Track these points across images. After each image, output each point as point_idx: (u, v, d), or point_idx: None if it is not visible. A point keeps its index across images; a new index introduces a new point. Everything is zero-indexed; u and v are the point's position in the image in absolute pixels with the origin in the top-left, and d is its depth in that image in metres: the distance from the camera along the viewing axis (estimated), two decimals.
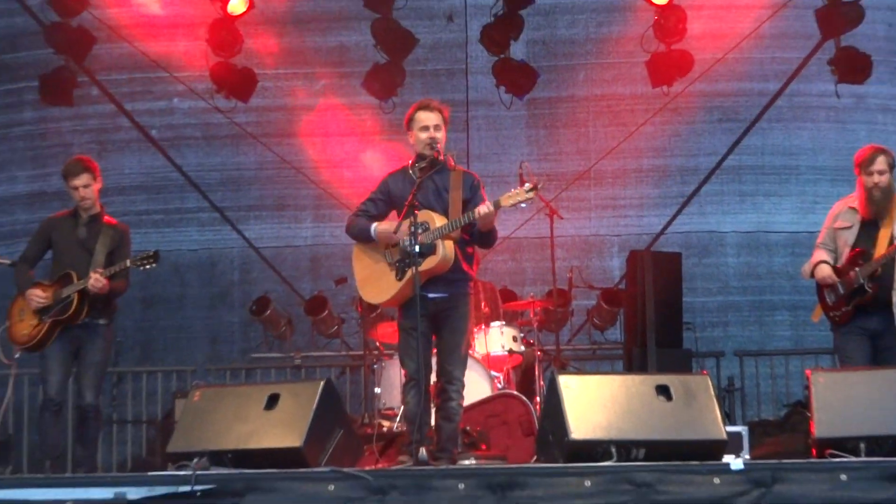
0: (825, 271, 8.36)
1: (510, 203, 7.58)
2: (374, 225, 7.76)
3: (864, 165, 8.31)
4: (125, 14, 13.09)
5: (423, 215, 7.54)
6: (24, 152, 13.55)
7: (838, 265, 8.36)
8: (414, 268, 7.43)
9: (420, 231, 7.46)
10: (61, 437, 9.17)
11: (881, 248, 8.19)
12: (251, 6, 12.51)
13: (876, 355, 8.20)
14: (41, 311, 8.71)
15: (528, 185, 7.54)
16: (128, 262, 8.66)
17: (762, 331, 13.05)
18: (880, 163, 8.24)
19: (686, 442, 6.80)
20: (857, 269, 8.21)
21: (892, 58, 12.95)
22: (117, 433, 12.33)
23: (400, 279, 7.66)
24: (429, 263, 7.54)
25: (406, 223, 7.54)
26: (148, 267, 8.68)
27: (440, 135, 7.83)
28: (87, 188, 8.85)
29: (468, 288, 7.85)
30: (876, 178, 8.24)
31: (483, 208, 7.49)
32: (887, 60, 12.76)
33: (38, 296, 8.72)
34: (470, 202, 7.70)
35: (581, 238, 12.90)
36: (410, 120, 7.91)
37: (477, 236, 7.73)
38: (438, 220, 7.61)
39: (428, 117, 7.83)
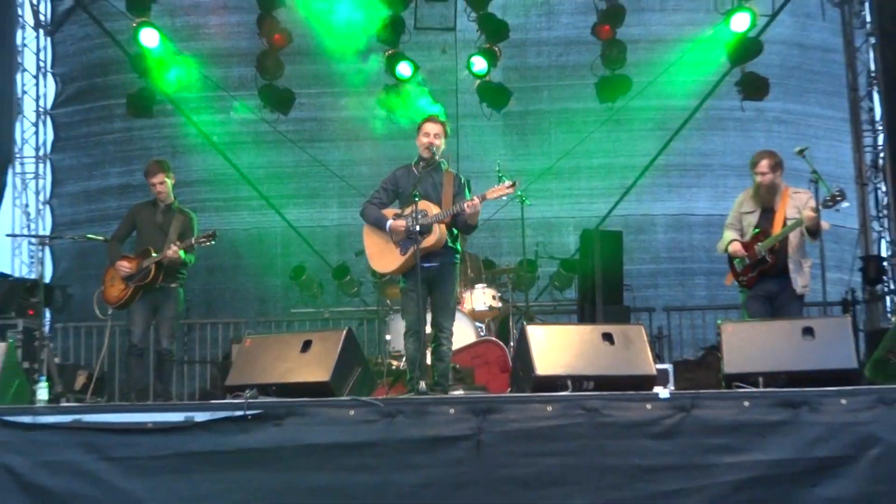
0: (736, 246, 8.35)
1: (494, 196, 7.61)
2: (390, 222, 7.73)
3: (752, 167, 8.37)
4: (193, 46, 13.04)
5: (421, 205, 7.55)
6: (115, 154, 13.46)
7: (744, 242, 8.37)
8: (416, 245, 7.43)
9: (420, 217, 7.46)
10: (143, 375, 9.18)
11: (777, 228, 8.21)
12: (290, 41, 12.47)
13: (773, 311, 8.20)
14: (127, 278, 8.73)
15: (507, 183, 7.54)
16: (193, 240, 8.66)
17: (684, 291, 13.01)
18: (762, 166, 8.25)
19: (625, 377, 6.80)
20: (758, 244, 8.23)
21: (785, 80, 12.83)
22: (188, 371, 12.31)
23: (403, 254, 7.66)
24: (427, 241, 7.55)
25: (409, 210, 7.53)
26: (209, 243, 8.68)
27: (439, 142, 7.85)
28: (162, 184, 8.88)
29: (455, 259, 7.85)
30: (759, 177, 8.28)
31: (472, 204, 7.48)
32: (781, 83, 12.66)
33: (124, 266, 8.75)
34: (458, 196, 7.72)
35: (545, 220, 12.81)
36: (419, 129, 7.92)
37: (462, 224, 7.73)
38: (434, 209, 7.61)
39: (431, 127, 7.87)
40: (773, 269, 8.18)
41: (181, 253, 8.65)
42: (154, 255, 8.64)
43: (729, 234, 8.47)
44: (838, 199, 7.82)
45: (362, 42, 12.57)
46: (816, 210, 7.88)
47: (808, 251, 8.31)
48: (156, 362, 9.21)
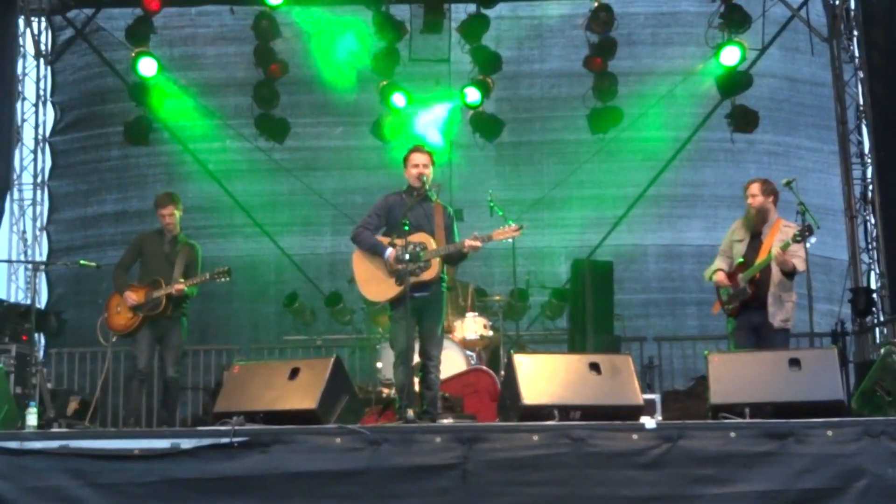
0: (720, 277, 8.42)
1: (500, 238, 7.63)
2: (389, 251, 7.64)
3: (745, 190, 8.50)
4: (191, 76, 13.07)
5: (420, 237, 7.54)
6: (111, 181, 13.43)
7: (728, 272, 8.40)
8: (407, 276, 7.38)
9: (419, 250, 7.46)
10: (143, 402, 9.15)
11: (760, 259, 8.21)
12: (286, 71, 12.46)
13: (758, 342, 8.18)
14: (135, 308, 8.71)
15: (514, 226, 7.54)
16: (207, 276, 8.72)
17: (675, 321, 12.92)
18: (753, 188, 8.41)
19: (612, 406, 6.74)
20: (740, 274, 8.23)
21: (774, 113, 12.87)
22: (180, 397, 12.19)
23: (400, 284, 7.58)
24: (427, 275, 7.55)
25: (401, 242, 7.49)
26: (223, 280, 8.66)
27: (427, 171, 7.82)
28: (171, 216, 9.00)
29: (443, 288, 7.81)
30: (749, 199, 8.40)
31: (474, 243, 7.46)
32: (770, 115, 12.68)
33: (132, 297, 8.73)
34: (448, 228, 7.72)
35: (536, 249, 12.74)
36: (406, 159, 7.88)
37: (455, 258, 7.71)
38: (432, 243, 7.61)
39: (419, 158, 7.84)
40: (755, 301, 8.20)
41: (186, 289, 8.76)
42: (164, 287, 8.68)
43: (717, 262, 8.53)
44: (807, 233, 7.90)
45: (357, 73, 12.60)
46: (786, 246, 7.96)
47: (796, 284, 8.27)
48: (161, 390, 9.17)
